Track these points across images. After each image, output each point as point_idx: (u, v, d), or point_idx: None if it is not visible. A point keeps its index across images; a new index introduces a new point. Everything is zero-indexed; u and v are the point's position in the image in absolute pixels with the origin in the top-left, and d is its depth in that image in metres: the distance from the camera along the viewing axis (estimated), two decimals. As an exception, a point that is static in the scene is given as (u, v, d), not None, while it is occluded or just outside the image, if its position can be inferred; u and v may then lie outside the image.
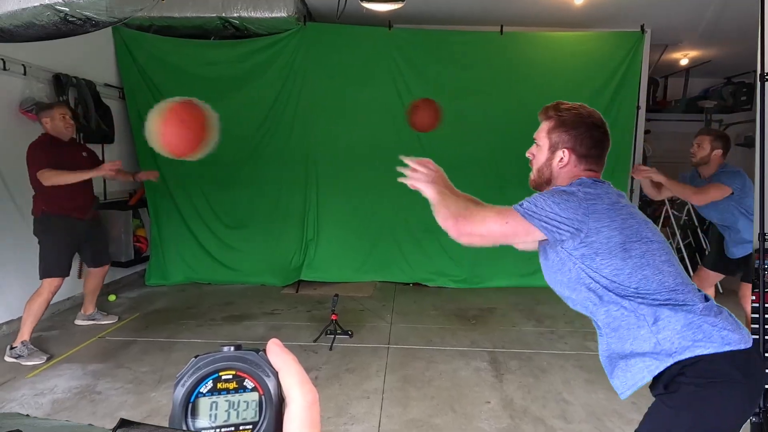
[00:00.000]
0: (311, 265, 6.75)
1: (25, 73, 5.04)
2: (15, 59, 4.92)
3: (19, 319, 4.60)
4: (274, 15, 6.06)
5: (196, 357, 0.56)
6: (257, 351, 0.57)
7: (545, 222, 1.80)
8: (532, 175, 2.05)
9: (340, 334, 4.86)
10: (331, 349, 4.67)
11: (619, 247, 1.79)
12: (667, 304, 1.77)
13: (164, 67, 6.54)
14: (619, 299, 1.80)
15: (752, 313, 3.21)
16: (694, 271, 5.20)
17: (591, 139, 1.94)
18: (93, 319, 5.33)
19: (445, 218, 1.87)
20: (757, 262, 3.23)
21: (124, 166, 4.75)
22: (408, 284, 6.82)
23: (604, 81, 6.56)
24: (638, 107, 6.62)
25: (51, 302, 4.55)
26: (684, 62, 8.85)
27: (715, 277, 4.70)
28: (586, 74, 6.42)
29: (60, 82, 5.46)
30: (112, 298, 6.12)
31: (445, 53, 6.56)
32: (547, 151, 1.98)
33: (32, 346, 4.51)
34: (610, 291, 1.81)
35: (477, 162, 6.46)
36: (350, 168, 6.63)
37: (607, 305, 1.83)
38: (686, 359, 1.72)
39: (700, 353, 1.71)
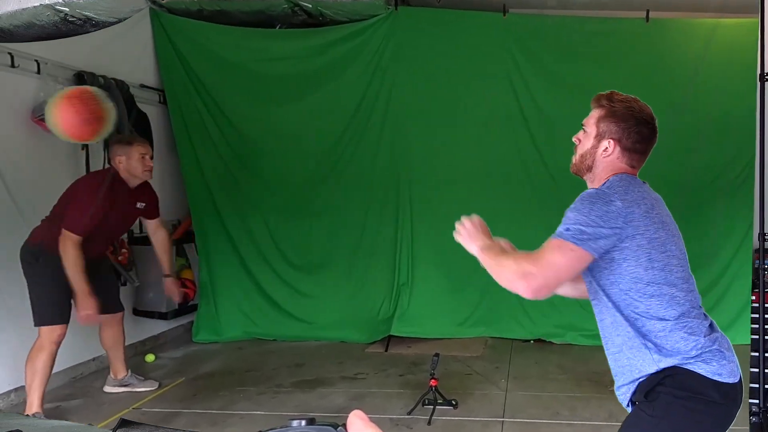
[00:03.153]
0: (404, 316, 6.18)
1: (39, 71, 4.72)
2: (26, 54, 4.61)
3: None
4: (357, -3, 5.78)
5: None
6: (335, 426, 0.57)
7: (594, 242, 1.91)
8: (575, 158, 2.17)
9: (441, 404, 4.52)
10: (429, 423, 4.34)
11: (645, 255, 1.94)
12: (673, 320, 1.94)
13: (216, 62, 6.11)
14: (630, 315, 1.98)
15: (752, 313, 3.43)
16: None
17: (638, 134, 2.08)
18: (126, 385, 4.93)
19: (510, 280, 1.94)
20: (757, 262, 3.52)
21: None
22: (528, 341, 6.29)
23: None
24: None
25: (71, 363, 4.46)
26: None
27: None
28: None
29: (83, 82, 4.98)
30: (150, 358, 5.68)
31: (575, 45, 5.98)
32: (594, 139, 2.11)
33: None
34: (621, 306, 1.99)
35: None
36: (454, 191, 6.00)
37: (614, 315, 2.01)
38: (679, 368, 1.91)
39: (692, 369, 1.90)
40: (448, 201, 6.03)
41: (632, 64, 5.86)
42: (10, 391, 4.67)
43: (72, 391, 5.03)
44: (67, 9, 2.60)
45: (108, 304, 4.61)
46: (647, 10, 5.91)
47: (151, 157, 4.49)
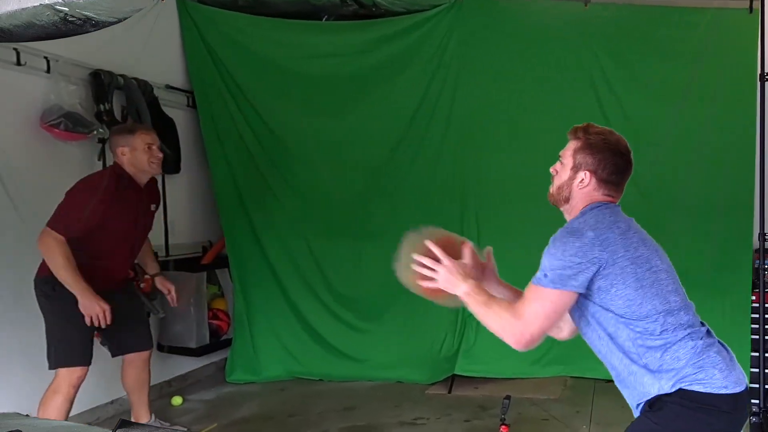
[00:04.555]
0: (470, 353, 5.80)
1: (48, 70, 4.54)
2: (34, 50, 4.44)
3: None
4: (417, -16, 5.62)
5: None
6: None
7: (574, 281, 2.03)
8: (552, 189, 2.31)
9: (514, 454, 4.18)
10: (501, 476, 4.20)
11: (632, 276, 2.04)
12: (671, 342, 2.03)
13: (253, 60, 5.89)
14: (625, 342, 2.07)
15: (752, 313, 3.75)
16: None
17: (614, 165, 2.21)
18: None
19: (498, 333, 2.11)
20: (757, 262, 3.77)
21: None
22: (612, 381, 5.22)
23: None
24: None
25: (88, 407, 4.44)
26: None
27: None
28: None
29: (100, 82, 4.86)
30: (177, 401, 5.43)
31: (666, 39, 5.54)
32: (570, 171, 2.23)
33: None
34: (618, 328, 2.08)
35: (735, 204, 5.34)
36: (527, 208, 5.52)
37: (614, 351, 2.11)
38: (685, 390, 1.99)
39: (698, 390, 1.97)
40: (520, 220, 5.74)
41: (733, 62, 5.44)
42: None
43: (87, 439, 4.83)
44: (66, 9, 2.63)
45: (134, 339, 4.47)
46: (752, -5, 5.60)
47: (160, 148, 4.35)
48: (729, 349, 2.11)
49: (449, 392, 5.63)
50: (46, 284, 4.01)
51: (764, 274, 3.55)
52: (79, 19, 2.78)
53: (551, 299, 2.04)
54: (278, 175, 5.74)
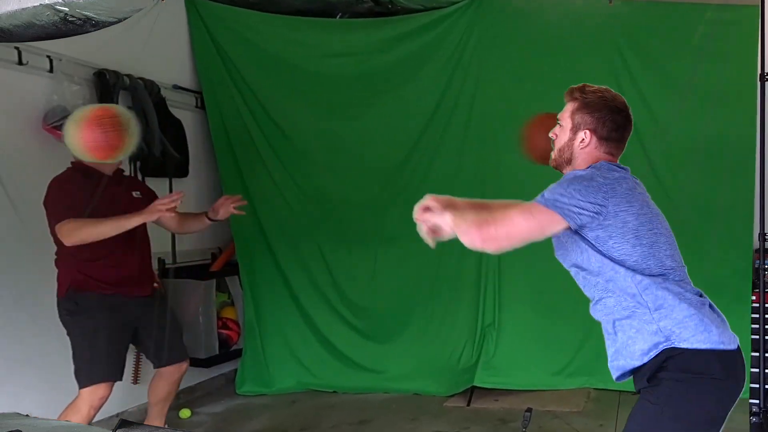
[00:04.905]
0: (490, 364, 5.71)
1: (51, 70, 4.56)
2: (37, 49, 4.44)
3: None
4: (436, -19, 5.58)
5: None
6: None
7: (569, 209, 2.06)
8: (554, 154, 2.34)
9: (537, 470, 4.43)
10: (522, 492, 4.40)
11: (632, 233, 2.08)
12: (668, 293, 2.10)
13: (264, 59, 5.84)
14: (623, 284, 2.13)
15: (752, 313, 3.79)
16: None
17: (613, 122, 2.23)
18: None
19: (466, 231, 2.08)
20: (757, 262, 3.80)
21: (204, 207, 4.72)
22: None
23: None
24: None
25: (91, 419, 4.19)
26: None
27: None
28: None
29: (105, 82, 4.86)
30: (185, 414, 5.40)
31: (694, 38, 5.41)
32: (570, 132, 2.27)
33: None
34: (615, 274, 2.13)
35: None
36: None
37: (612, 293, 2.17)
38: (681, 348, 2.05)
39: (698, 347, 2.03)
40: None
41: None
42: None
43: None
44: (66, 9, 2.70)
45: (173, 350, 4.38)
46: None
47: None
48: (721, 314, 2.18)
49: (468, 405, 5.54)
50: (68, 301, 3.96)
51: (764, 274, 3.61)
52: (79, 19, 2.81)
53: (536, 215, 2.07)
54: (290, 179, 5.69)
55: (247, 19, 5.75)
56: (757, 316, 3.57)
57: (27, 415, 1.97)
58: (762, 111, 3.60)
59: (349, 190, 5.62)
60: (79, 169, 4.01)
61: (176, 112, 5.52)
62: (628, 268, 2.09)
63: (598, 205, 2.06)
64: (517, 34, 5.62)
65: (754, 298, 3.71)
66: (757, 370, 3.63)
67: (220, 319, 5.67)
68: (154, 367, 4.45)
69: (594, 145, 2.23)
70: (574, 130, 2.25)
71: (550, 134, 2.36)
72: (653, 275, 2.10)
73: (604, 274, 2.13)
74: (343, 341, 5.98)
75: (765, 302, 3.55)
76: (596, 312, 2.26)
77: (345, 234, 5.88)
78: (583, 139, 2.23)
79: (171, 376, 4.45)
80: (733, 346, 2.06)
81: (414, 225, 5.62)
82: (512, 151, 5.30)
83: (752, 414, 3.54)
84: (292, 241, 5.92)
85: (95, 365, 3.97)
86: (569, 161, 2.29)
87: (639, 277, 2.09)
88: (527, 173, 5.24)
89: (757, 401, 3.61)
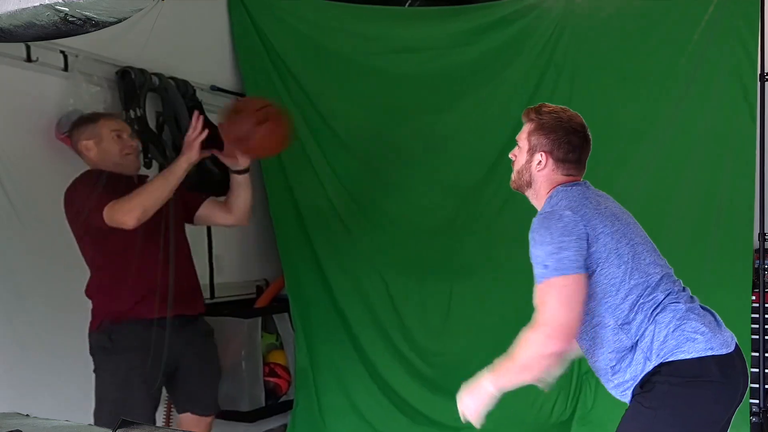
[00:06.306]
0: (588, 419, 5.14)
1: (66, 68, 4.20)
2: (49, 44, 4.04)
3: None
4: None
5: None
6: None
7: (575, 260, 2.09)
8: (513, 176, 2.43)
9: None
10: None
11: (614, 253, 2.13)
12: (651, 317, 2.12)
13: (318, 55, 5.39)
14: (608, 326, 2.16)
15: (752, 313, 3.79)
16: None
17: (569, 144, 2.28)
18: None
19: (537, 353, 2.12)
20: (757, 262, 3.89)
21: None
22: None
23: None
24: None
25: None
26: None
27: None
28: None
29: (130, 83, 4.52)
30: None
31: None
32: (527, 153, 2.33)
33: None
34: (602, 315, 2.16)
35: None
36: (664, 232, 4.67)
37: (599, 341, 2.20)
38: (670, 360, 2.07)
39: (683, 357, 2.04)
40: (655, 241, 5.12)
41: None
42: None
43: None
44: (67, 9, 2.40)
45: (203, 398, 4.13)
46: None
47: (131, 135, 4.04)
48: (715, 313, 2.21)
49: (561, 465, 5.01)
50: (102, 335, 3.75)
51: (764, 274, 3.80)
52: (80, 19, 2.51)
53: (562, 285, 2.07)
54: (350, 199, 5.17)
55: (298, 9, 5.26)
56: (757, 316, 3.77)
57: (27, 415, 2.05)
58: (762, 111, 3.77)
59: (419, 213, 5.13)
60: (96, 173, 3.80)
61: (214, 118, 4.78)
62: (611, 296, 2.12)
63: (582, 233, 2.12)
64: (618, 25, 4.99)
65: (754, 298, 3.85)
66: (757, 370, 3.80)
67: (267, 365, 5.19)
68: (178, 412, 4.23)
69: (551, 167, 2.30)
70: (531, 152, 2.32)
71: (510, 155, 2.45)
72: (637, 298, 2.12)
73: (591, 315, 2.17)
74: (411, 391, 5.39)
75: (765, 302, 3.77)
76: (591, 363, 2.31)
77: (413, 264, 5.31)
78: (540, 161, 2.30)
79: (196, 428, 4.15)
80: (724, 350, 2.08)
81: (495, 254, 5.31)
82: (612, 165, 4.90)
83: (752, 414, 3.72)
84: (351, 272, 5.38)
85: (130, 408, 3.63)
86: (529, 184, 2.37)
87: (622, 304, 2.12)
88: (629, 190, 4.78)
89: (757, 401, 3.78)
